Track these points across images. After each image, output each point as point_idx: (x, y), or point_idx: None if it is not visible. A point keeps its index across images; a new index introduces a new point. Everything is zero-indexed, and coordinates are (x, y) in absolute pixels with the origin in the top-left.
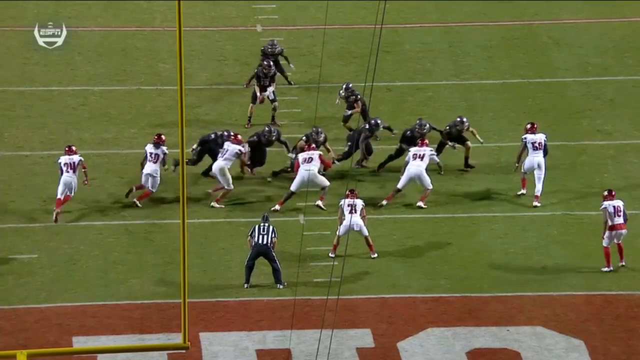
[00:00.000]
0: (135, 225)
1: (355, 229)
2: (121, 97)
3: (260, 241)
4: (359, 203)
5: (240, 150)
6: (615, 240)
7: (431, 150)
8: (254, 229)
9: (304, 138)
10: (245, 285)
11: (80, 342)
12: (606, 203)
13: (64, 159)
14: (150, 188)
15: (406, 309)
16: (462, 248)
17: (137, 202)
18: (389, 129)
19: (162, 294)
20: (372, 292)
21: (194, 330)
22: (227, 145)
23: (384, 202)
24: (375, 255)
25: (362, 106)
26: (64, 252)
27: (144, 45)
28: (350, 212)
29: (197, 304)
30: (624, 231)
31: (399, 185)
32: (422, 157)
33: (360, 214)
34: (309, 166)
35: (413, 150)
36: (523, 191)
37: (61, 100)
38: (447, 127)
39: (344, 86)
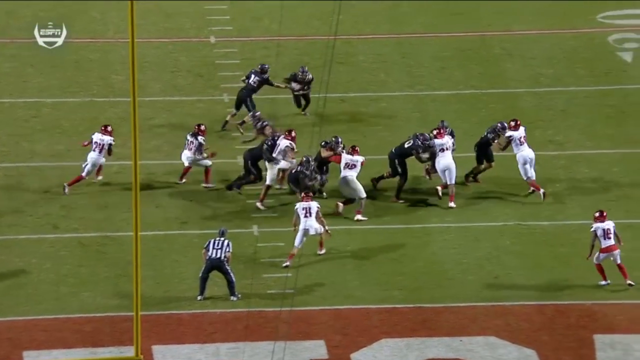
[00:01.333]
0: (88, 237)
1: (311, 232)
2: (74, 109)
3: (214, 255)
4: (314, 206)
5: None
6: (613, 261)
7: (453, 141)
8: (209, 243)
9: (322, 143)
10: (199, 297)
11: (31, 357)
12: (596, 225)
13: (96, 137)
14: (206, 165)
15: (360, 320)
16: (416, 259)
17: (206, 184)
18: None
19: (114, 306)
20: (326, 303)
21: (147, 344)
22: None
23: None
24: (323, 251)
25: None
26: (15, 266)
27: (96, 56)
28: (306, 216)
29: (150, 316)
30: (617, 252)
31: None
32: (448, 149)
33: (316, 217)
34: (351, 172)
35: (437, 143)
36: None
37: (12, 112)
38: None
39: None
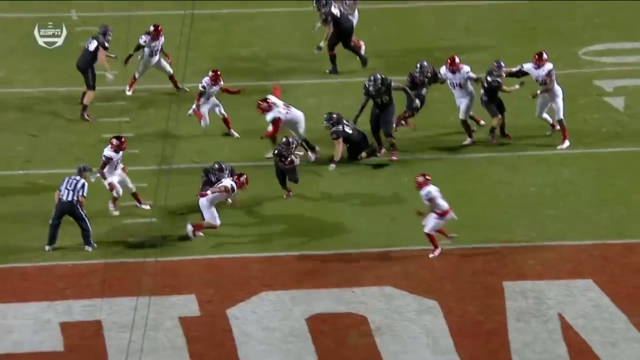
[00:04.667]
0: None
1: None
2: None
3: (65, 197)
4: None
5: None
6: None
7: (467, 72)
8: (62, 182)
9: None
10: (47, 248)
11: None
12: (426, 189)
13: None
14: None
15: (236, 271)
16: (301, 201)
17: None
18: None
19: None
20: (196, 252)
21: None
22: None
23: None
24: (147, 206)
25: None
26: None
27: None
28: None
29: None
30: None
31: (462, 117)
32: (460, 85)
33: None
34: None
35: (449, 78)
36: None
37: None
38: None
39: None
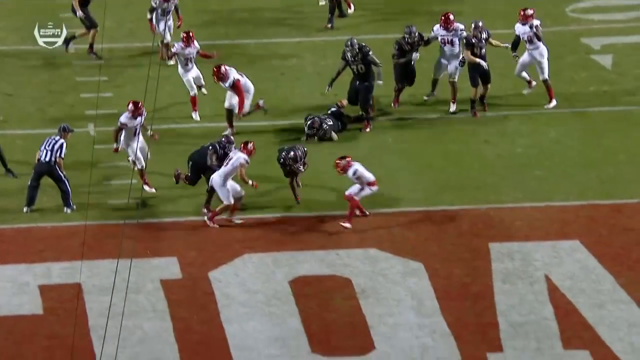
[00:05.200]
0: None
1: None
2: None
3: (43, 158)
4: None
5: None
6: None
7: (461, 30)
8: (43, 142)
9: None
10: (25, 209)
11: None
12: (354, 166)
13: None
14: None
15: (218, 233)
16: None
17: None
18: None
19: None
20: (178, 214)
21: None
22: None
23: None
24: (152, 190)
25: None
26: None
27: None
28: None
29: None
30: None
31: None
32: (451, 42)
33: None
34: None
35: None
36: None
37: None
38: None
39: None
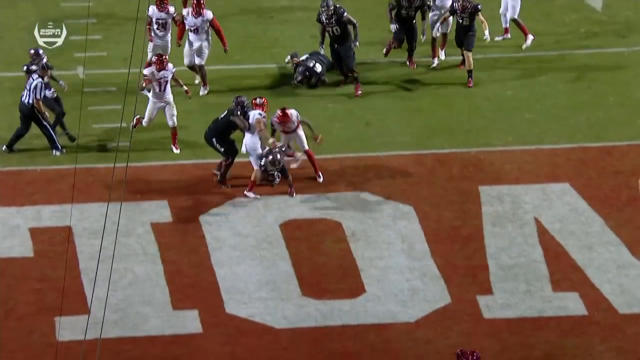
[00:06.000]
0: None
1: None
2: None
3: (23, 99)
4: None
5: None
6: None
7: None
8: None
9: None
10: (3, 148)
11: None
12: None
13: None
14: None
15: (209, 177)
16: (276, 106)
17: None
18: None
19: None
20: (168, 157)
21: None
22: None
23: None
24: (177, 150)
25: None
26: None
27: None
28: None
29: None
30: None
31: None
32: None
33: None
34: None
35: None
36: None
37: None
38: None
39: None
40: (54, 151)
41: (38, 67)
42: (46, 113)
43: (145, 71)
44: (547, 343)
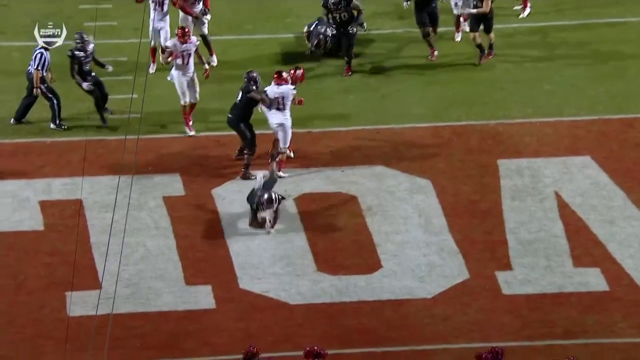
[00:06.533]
0: None
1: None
2: None
3: (29, 69)
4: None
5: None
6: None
7: None
8: None
9: None
10: (11, 121)
11: None
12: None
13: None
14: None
15: (222, 150)
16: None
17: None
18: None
19: None
20: (179, 130)
21: None
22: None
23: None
24: (192, 132)
25: None
26: None
27: None
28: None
29: None
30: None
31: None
32: None
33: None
34: None
35: None
36: None
37: None
38: None
39: None
40: (55, 124)
41: (85, 52)
42: (42, 86)
43: (168, 43)
44: (568, 319)
